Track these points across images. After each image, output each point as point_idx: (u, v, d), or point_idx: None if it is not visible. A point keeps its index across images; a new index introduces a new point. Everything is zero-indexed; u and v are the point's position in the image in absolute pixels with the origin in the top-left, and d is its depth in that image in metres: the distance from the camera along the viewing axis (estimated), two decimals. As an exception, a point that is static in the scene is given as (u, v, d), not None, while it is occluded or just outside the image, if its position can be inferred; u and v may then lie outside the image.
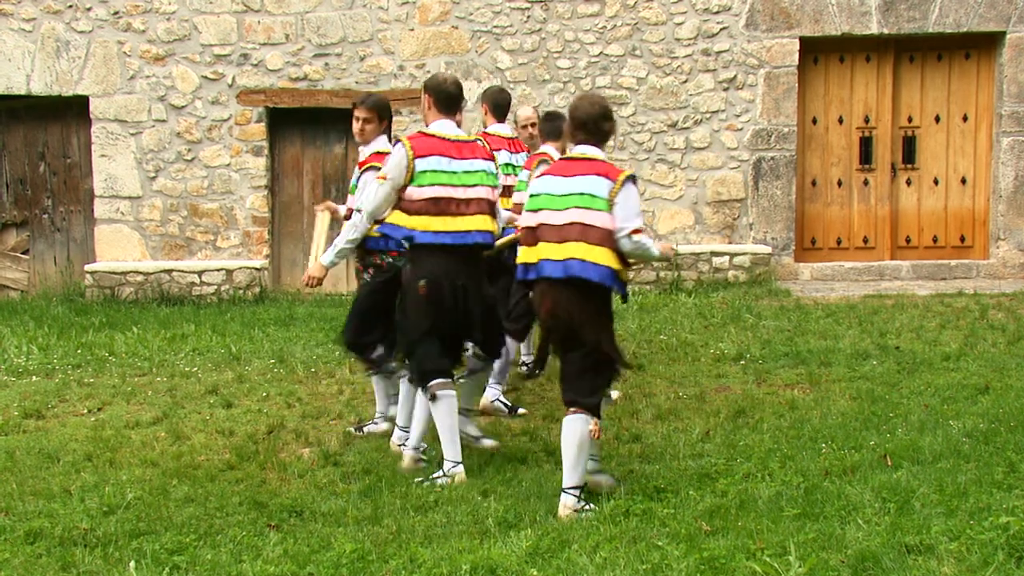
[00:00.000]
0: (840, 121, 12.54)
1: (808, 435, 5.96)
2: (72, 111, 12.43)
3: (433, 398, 5.61)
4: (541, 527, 4.65)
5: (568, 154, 5.46)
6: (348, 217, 6.22)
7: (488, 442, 6.27)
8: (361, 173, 6.24)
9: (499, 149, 7.01)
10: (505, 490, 5.36)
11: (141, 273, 12.00)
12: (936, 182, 12.56)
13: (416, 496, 5.31)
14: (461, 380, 6.16)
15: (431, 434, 5.86)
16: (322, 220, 6.65)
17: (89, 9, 12.09)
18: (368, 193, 5.87)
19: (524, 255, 5.25)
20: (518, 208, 6.33)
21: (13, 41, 12.11)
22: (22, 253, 12.76)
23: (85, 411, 7.36)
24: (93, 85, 12.18)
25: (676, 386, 7.52)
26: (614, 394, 6.72)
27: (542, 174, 5.34)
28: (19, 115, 12.55)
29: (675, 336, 9.08)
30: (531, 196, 5.29)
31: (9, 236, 12.76)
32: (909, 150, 12.53)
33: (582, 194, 5.09)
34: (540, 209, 5.19)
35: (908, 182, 12.58)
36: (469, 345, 6.12)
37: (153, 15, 12.11)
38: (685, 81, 12.14)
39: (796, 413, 6.60)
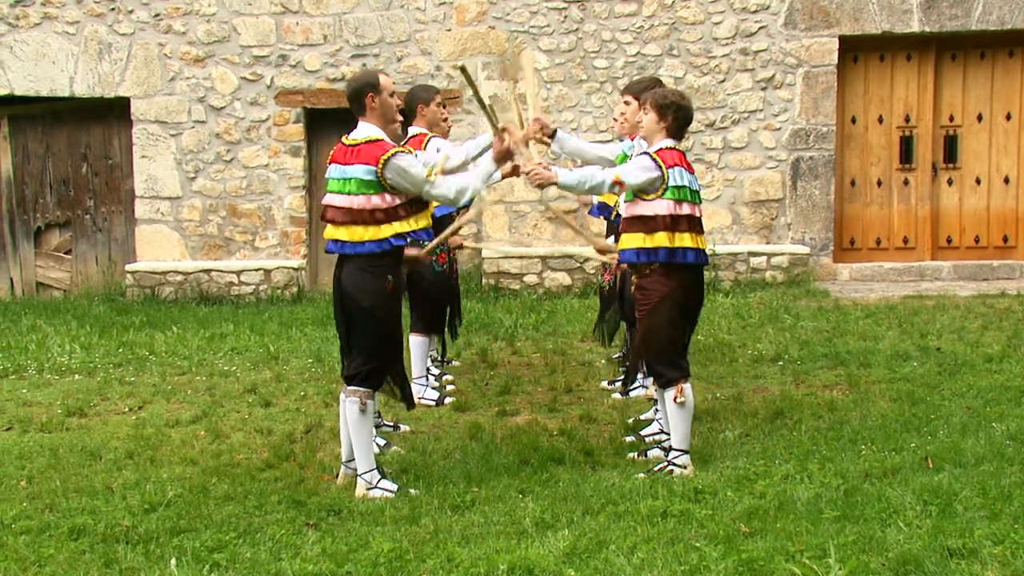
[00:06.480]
0: (880, 120, 12.42)
1: (847, 437, 5.91)
2: (113, 112, 12.58)
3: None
4: (578, 527, 4.64)
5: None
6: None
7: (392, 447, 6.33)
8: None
9: None
10: (542, 490, 5.35)
11: (180, 273, 12.12)
12: (978, 181, 12.41)
13: (453, 496, 5.32)
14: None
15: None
16: None
17: (131, 12, 12.22)
18: None
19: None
20: None
21: (57, 44, 12.27)
22: (65, 253, 12.93)
23: (126, 409, 7.45)
24: (134, 87, 12.32)
25: (713, 387, 7.48)
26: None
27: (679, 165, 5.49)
28: (62, 117, 12.72)
29: (712, 337, 9.04)
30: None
31: (52, 236, 12.93)
32: (951, 149, 12.39)
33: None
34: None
35: (949, 182, 12.44)
36: None
37: (193, 17, 12.23)
38: (723, 80, 12.07)
39: (835, 414, 6.54)
